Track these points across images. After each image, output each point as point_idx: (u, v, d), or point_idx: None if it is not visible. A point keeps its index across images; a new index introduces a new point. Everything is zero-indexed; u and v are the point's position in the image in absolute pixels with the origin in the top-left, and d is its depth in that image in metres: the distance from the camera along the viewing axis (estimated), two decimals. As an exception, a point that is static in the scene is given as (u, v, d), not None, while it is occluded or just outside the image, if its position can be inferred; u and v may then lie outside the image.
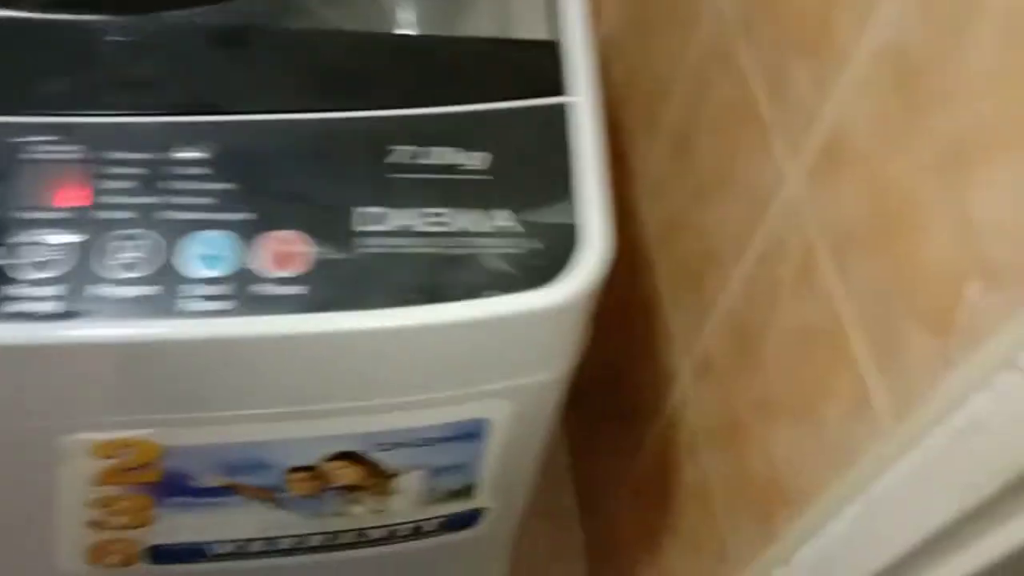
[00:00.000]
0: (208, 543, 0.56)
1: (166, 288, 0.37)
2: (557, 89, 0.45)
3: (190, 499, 0.51)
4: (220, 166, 0.40)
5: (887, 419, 0.46)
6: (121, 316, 0.37)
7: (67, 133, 0.39)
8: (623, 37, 0.95)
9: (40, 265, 0.37)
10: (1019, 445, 0.35)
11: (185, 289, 0.37)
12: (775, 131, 0.58)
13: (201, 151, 0.40)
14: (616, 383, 1.03)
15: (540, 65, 0.46)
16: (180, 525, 0.54)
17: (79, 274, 0.37)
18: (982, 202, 0.37)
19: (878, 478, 0.46)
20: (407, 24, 0.50)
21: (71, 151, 0.39)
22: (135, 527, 0.53)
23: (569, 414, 1.21)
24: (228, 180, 0.40)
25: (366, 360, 0.41)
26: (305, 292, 0.39)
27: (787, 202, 0.56)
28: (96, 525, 0.52)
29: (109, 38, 0.43)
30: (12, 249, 0.37)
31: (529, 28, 0.48)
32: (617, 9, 0.89)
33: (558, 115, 0.44)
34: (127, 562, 0.55)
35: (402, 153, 0.42)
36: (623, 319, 0.98)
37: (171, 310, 0.37)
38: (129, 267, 0.38)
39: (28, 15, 0.43)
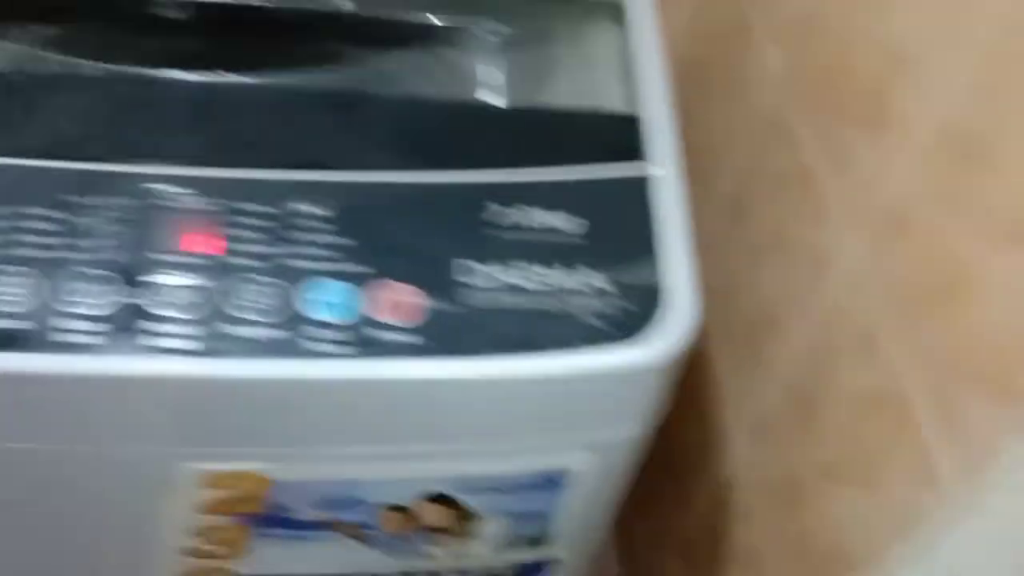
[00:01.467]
0: (297, 576, 0.59)
1: (292, 332, 0.41)
2: (641, 158, 0.48)
3: (286, 532, 0.54)
4: (337, 221, 0.43)
5: (950, 484, 0.47)
6: (251, 355, 0.40)
7: (198, 184, 0.43)
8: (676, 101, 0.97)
9: (177, 306, 0.41)
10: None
11: (309, 333, 0.41)
12: (834, 200, 0.60)
13: (319, 206, 0.44)
14: (664, 441, 1.03)
15: (624, 135, 0.49)
16: (271, 557, 0.56)
17: (213, 315, 0.41)
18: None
19: (941, 543, 0.47)
20: (490, 94, 0.53)
21: (203, 201, 0.43)
22: (229, 557, 0.56)
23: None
24: (345, 234, 0.43)
25: (466, 406, 0.44)
26: (416, 340, 0.42)
27: (847, 270, 0.58)
28: (192, 553, 0.55)
29: (233, 97, 0.47)
30: (152, 289, 0.41)
31: (610, 100, 0.51)
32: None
33: (644, 183, 0.47)
34: (212, 591, 0.57)
35: (500, 213, 0.45)
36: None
37: (297, 352, 0.40)
38: (258, 311, 0.41)
39: (162, 73, 0.47)
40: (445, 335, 0.42)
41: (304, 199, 0.44)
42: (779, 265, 0.70)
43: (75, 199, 0.42)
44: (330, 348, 0.41)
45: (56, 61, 0.47)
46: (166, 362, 0.40)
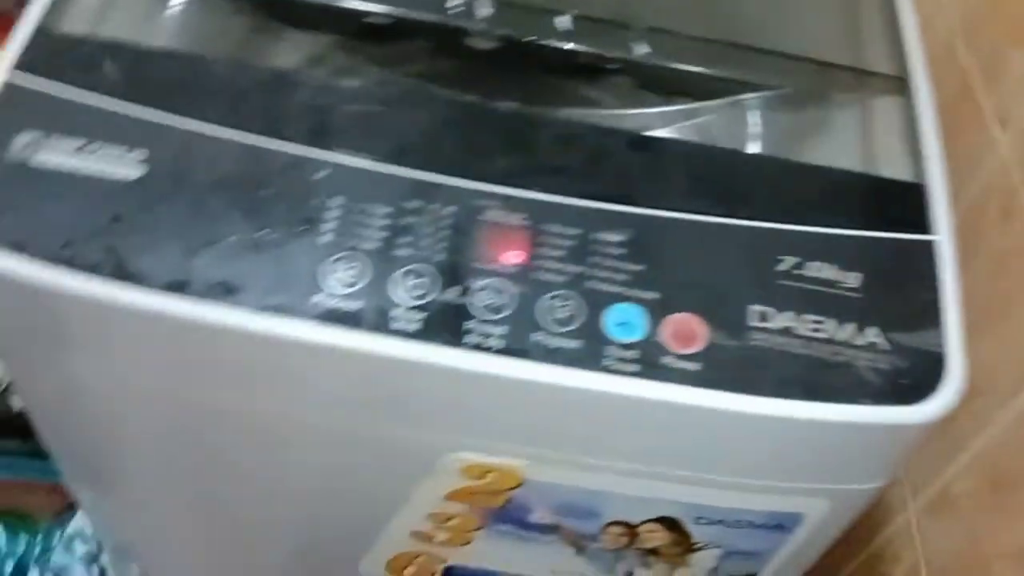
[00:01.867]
0: (499, 574, 0.62)
1: (589, 345, 0.44)
2: (924, 224, 0.50)
3: (513, 529, 0.57)
4: (634, 249, 0.47)
5: None
6: (551, 361, 0.44)
7: (514, 203, 0.48)
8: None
9: (491, 308, 0.45)
10: None
11: (605, 349, 0.44)
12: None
13: (618, 234, 0.47)
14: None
15: (907, 202, 0.51)
16: (488, 552, 0.60)
17: (521, 321, 0.45)
18: None
19: None
20: (774, 149, 0.56)
21: (517, 219, 0.47)
22: (451, 545, 0.60)
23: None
24: (640, 262, 0.47)
25: (730, 439, 0.47)
26: (696, 368, 0.44)
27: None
28: (420, 536, 0.60)
29: (547, 130, 0.51)
30: (471, 292, 0.45)
31: (893, 167, 0.53)
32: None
33: (925, 248, 0.49)
34: (420, 576, 0.61)
35: (787, 263, 0.47)
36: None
37: (594, 365, 0.44)
38: (560, 322, 0.45)
39: (482, 100, 0.52)
40: (724, 368, 0.45)
41: (604, 227, 0.47)
42: (996, 337, 0.70)
43: (410, 203, 0.47)
44: (618, 365, 0.44)
45: (397, 81, 0.52)
46: (477, 357, 0.44)
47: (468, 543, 0.60)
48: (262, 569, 0.72)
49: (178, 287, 0.44)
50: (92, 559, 1.20)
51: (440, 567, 0.63)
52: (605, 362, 0.44)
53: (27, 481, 1.20)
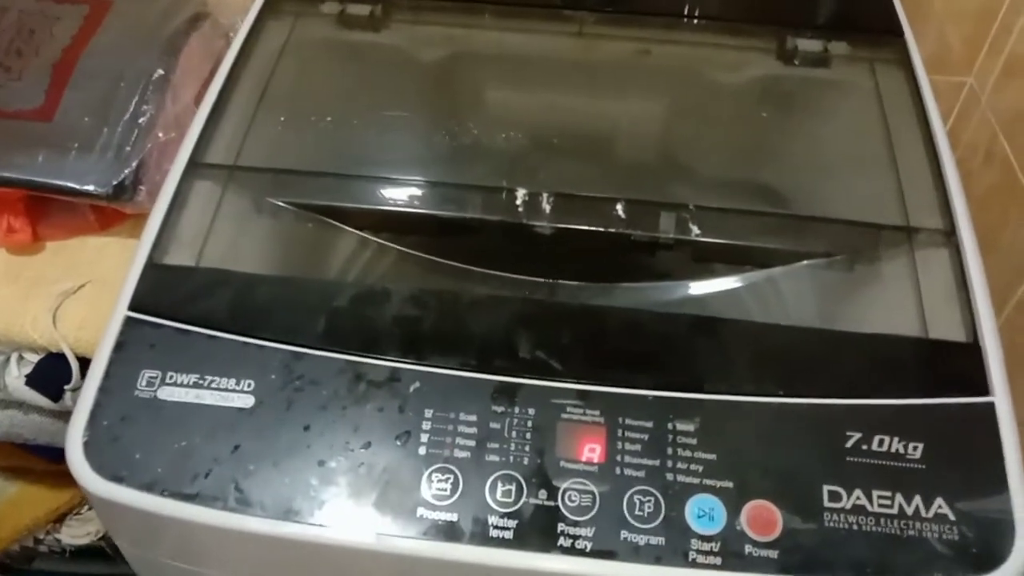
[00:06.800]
0: None
1: (674, 540, 0.48)
2: (982, 386, 0.52)
3: None
4: (706, 437, 0.50)
5: None
6: (643, 560, 0.47)
7: (589, 400, 0.51)
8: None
9: (579, 509, 0.49)
10: None
11: (689, 543, 0.47)
12: None
13: (690, 423, 0.51)
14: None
15: (963, 364, 0.53)
16: None
17: (608, 519, 0.48)
18: None
19: None
20: (825, 319, 0.59)
21: (593, 415, 0.51)
22: None
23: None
24: (713, 450, 0.50)
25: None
26: (773, 555, 0.47)
27: None
28: None
29: (612, 319, 0.55)
30: (558, 494, 0.49)
31: (944, 327, 0.56)
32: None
33: (982, 414, 0.51)
34: None
35: (852, 439, 0.50)
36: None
37: (680, 560, 0.47)
38: (644, 518, 0.48)
39: (555, 289, 0.56)
40: (801, 553, 0.47)
41: (675, 416, 0.51)
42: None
43: (494, 408, 0.51)
44: (703, 558, 0.47)
45: (469, 275, 0.57)
46: (570, 561, 0.47)
47: None
48: None
49: (293, 514, 0.48)
50: None
51: None
52: (691, 556, 0.47)
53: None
